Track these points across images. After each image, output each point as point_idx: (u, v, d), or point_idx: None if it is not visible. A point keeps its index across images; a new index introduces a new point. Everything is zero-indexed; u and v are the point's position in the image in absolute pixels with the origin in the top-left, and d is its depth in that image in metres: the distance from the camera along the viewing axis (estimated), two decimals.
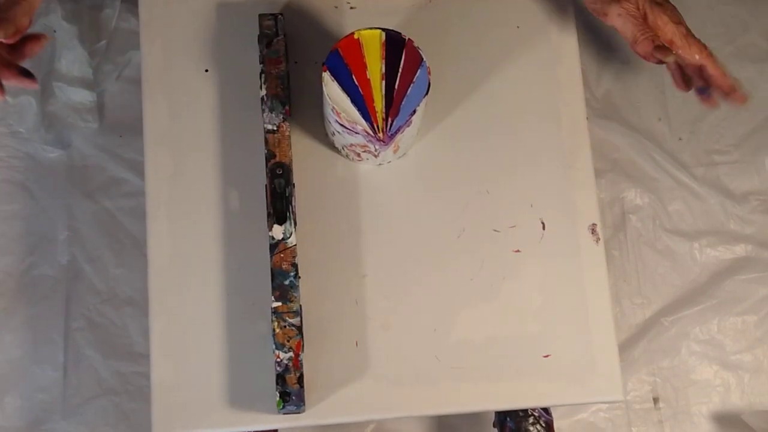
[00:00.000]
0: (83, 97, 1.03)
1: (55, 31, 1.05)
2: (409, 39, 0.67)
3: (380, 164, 0.75)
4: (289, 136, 0.70)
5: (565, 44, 0.77)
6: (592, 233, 0.74)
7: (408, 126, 0.67)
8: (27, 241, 1.01)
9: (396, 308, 0.72)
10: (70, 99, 1.03)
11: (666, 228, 1.06)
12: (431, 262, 0.73)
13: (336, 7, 0.77)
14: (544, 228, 0.74)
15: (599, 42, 1.10)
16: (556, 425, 0.99)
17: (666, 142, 1.08)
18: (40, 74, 1.04)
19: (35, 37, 0.67)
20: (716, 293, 0.95)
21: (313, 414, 0.70)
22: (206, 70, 0.75)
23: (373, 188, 0.75)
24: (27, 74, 0.67)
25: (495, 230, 0.74)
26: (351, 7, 0.77)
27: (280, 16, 0.72)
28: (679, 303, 1.03)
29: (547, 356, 0.72)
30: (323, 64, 0.66)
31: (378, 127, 0.66)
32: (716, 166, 1.08)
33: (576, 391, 0.72)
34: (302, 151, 0.74)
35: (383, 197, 0.74)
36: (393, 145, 0.70)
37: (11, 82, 0.67)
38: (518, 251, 0.73)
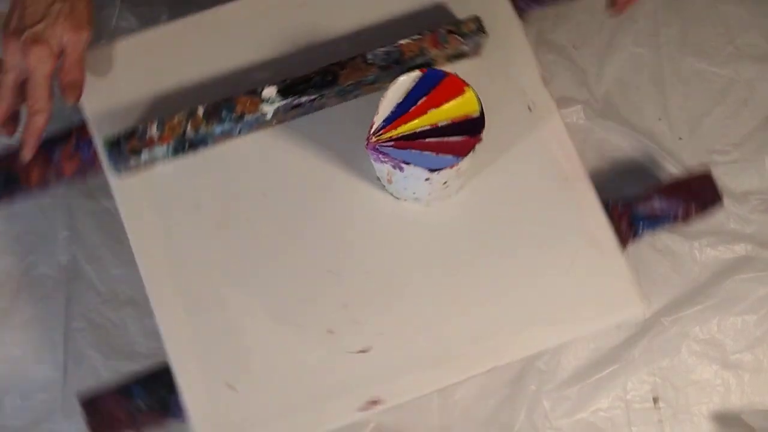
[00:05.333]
0: None
1: None
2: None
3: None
4: None
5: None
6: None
7: (382, 163, 0.67)
8: (27, 241, 1.01)
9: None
10: None
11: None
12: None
13: None
14: None
15: (599, 42, 1.10)
16: (556, 424, 0.99)
17: (666, 142, 1.08)
18: None
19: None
20: (716, 293, 0.94)
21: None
22: None
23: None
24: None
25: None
26: None
27: None
28: (679, 303, 1.03)
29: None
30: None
31: (371, 131, 0.66)
32: (716, 166, 1.08)
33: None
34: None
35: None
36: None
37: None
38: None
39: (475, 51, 0.78)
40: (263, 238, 0.75)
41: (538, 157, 0.78)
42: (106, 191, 1.02)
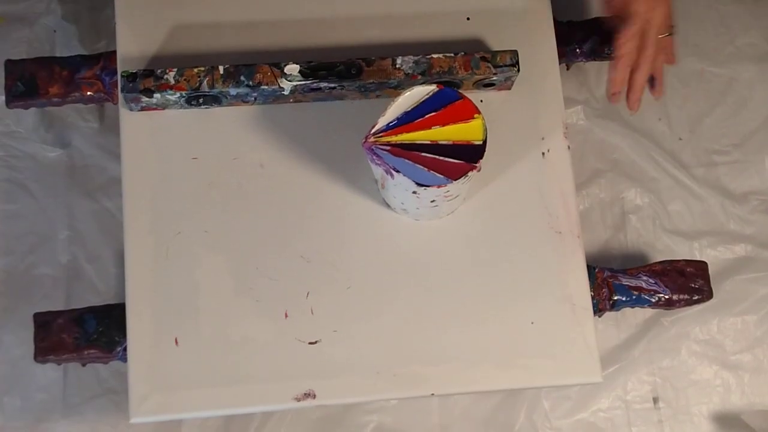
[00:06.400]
0: None
1: (55, 31, 1.05)
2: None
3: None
4: None
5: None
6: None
7: (376, 165, 0.67)
8: (27, 240, 1.01)
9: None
10: None
11: (666, 228, 1.05)
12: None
13: None
14: None
15: None
16: (556, 424, 0.99)
17: (666, 142, 1.08)
18: None
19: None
20: (716, 293, 0.94)
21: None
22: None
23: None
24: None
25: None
26: None
27: None
28: None
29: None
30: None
31: (372, 131, 0.66)
32: (716, 166, 1.08)
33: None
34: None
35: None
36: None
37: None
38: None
39: (506, 85, 0.79)
40: (249, 208, 0.76)
41: (538, 204, 0.78)
42: (106, 192, 1.03)
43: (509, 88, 0.79)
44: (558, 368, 0.75)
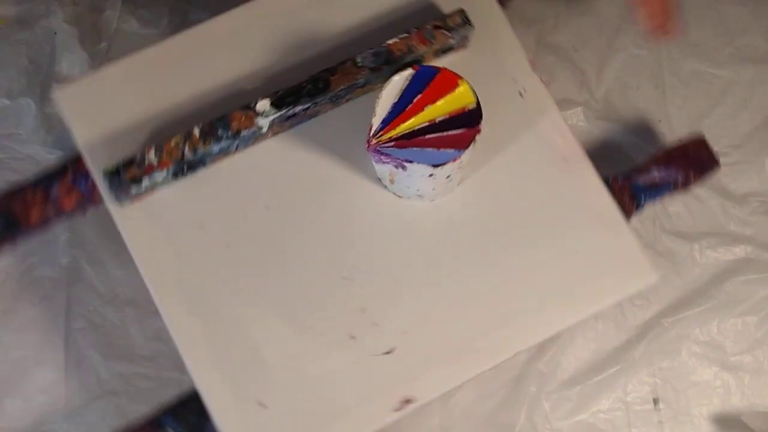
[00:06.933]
0: None
1: (55, 33, 1.05)
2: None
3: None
4: None
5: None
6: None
7: (383, 164, 0.67)
8: (27, 242, 1.01)
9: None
10: None
11: (666, 229, 1.05)
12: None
13: None
14: None
15: (599, 43, 1.10)
16: (556, 426, 0.99)
17: (666, 143, 1.08)
18: (39, 76, 1.05)
19: None
20: (716, 294, 0.94)
21: None
22: None
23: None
24: None
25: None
26: None
27: None
28: (680, 304, 1.03)
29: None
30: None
31: (371, 133, 0.66)
32: None
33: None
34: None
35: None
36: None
37: None
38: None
39: (462, 44, 0.78)
40: (272, 252, 0.75)
41: (535, 142, 0.78)
42: None
43: (466, 47, 0.79)
44: (615, 283, 0.75)
